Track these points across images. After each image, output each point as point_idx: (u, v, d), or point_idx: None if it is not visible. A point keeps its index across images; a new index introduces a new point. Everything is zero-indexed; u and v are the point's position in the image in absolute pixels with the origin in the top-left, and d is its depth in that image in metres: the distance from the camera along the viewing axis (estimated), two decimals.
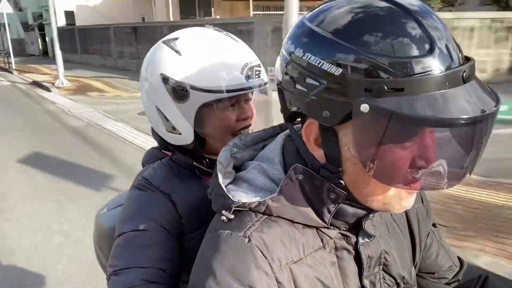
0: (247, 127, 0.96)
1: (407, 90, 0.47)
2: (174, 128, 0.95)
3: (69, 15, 21.61)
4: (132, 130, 6.74)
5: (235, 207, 0.60)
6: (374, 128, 0.49)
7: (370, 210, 0.62)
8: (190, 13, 18.58)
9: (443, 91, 0.47)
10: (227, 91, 0.89)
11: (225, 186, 0.63)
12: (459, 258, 0.88)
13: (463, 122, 0.46)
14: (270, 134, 0.75)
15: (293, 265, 0.59)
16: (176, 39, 0.94)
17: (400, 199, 0.59)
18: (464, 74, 0.49)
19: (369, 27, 0.50)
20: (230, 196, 0.61)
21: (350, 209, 0.61)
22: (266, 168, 0.65)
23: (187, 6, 18.73)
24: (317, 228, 0.63)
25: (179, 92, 0.90)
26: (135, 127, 6.90)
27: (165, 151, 1.04)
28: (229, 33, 0.98)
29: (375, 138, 0.50)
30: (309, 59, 0.53)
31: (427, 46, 0.48)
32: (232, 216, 0.60)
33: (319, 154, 0.59)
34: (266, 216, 0.61)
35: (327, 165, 0.58)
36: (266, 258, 0.57)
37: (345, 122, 0.52)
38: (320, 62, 0.52)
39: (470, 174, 0.53)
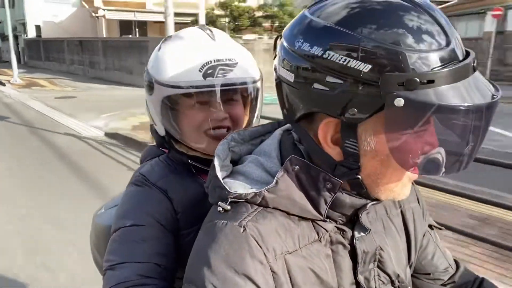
0: (223, 127, 0.95)
1: (437, 82, 0.48)
2: (152, 120, 1.01)
3: (38, 28, 26.03)
4: (44, 107, 10.65)
5: (231, 198, 0.60)
6: (407, 120, 0.50)
7: (367, 200, 0.62)
8: (127, 32, 23.30)
9: (465, 80, 0.50)
10: (179, 87, 0.90)
11: (222, 179, 0.63)
12: (455, 261, 0.87)
13: (487, 106, 0.49)
14: (268, 129, 0.75)
15: (288, 256, 0.59)
16: (170, 37, 1.01)
17: (404, 187, 0.61)
18: (474, 64, 0.52)
19: (391, 23, 0.50)
20: (226, 187, 0.61)
21: (347, 199, 0.61)
22: (263, 161, 0.65)
23: (126, 27, 23.50)
24: (313, 221, 0.62)
25: (148, 84, 0.96)
26: (50, 106, 10.49)
27: (163, 149, 1.05)
28: (215, 31, 0.99)
29: (407, 129, 0.51)
30: (331, 57, 0.51)
31: (445, 39, 0.51)
32: (229, 207, 0.60)
33: (335, 152, 0.58)
34: (262, 208, 0.61)
35: (345, 162, 0.58)
36: (261, 247, 0.57)
37: (371, 116, 0.52)
38: (345, 60, 0.50)
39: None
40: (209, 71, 0.90)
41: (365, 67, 0.50)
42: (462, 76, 0.50)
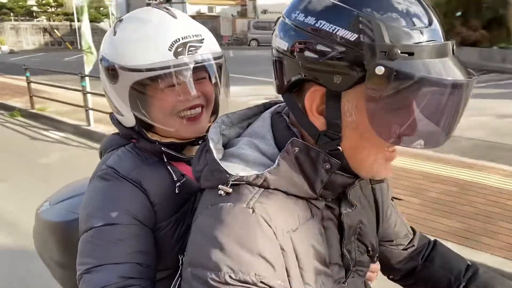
0: (195, 107, 0.91)
1: (416, 55, 0.53)
2: (117, 110, 0.94)
3: None
4: None
5: (232, 181, 0.61)
6: (387, 89, 0.53)
7: (355, 179, 0.66)
8: None
9: (443, 59, 0.55)
10: (152, 70, 0.84)
11: None
12: (411, 227, 0.97)
13: (464, 83, 0.55)
14: (254, 112, 0.76)
15: (292, 233, 0.62)
16: (121, 20, 0.93)
17: (383, 165, 0.64)
18: (453, 47, 0.58)
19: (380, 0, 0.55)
20: (227, 170, 0.61)
21: (339, 178, 0.64)
22: (257, 143, 0.67)
23: None
24: (307, 199, 0.66)
25: (111, 72, 0.89)
26: None
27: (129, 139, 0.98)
28: (172, 9, 0.94)
29: (386, 99, 0.54)
30: (322, 26, 0.56)
31: (427, 19, 0.56)
32: (230, 190, 0.61)
33: (319, 122, 0.62)
34: (263, 189, 0.62)
35: (327, 132, 0.61)
36: (270, 227, 0.59)
37: (354, 86, 0.56)
38: (334, 28, 0.55)
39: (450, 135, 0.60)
40: (179, 49, 0.86)
41: (352, 36, 0.54)
42: (441, 55, 0.55)
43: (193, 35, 0.89)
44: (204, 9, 32.27)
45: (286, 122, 0.68)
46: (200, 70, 0.90)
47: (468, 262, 0.93)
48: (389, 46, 0.53)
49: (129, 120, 0.93)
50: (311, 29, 0.57)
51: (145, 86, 0.88)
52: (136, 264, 0.82)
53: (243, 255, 0.56)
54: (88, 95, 6.34)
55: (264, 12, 30.27)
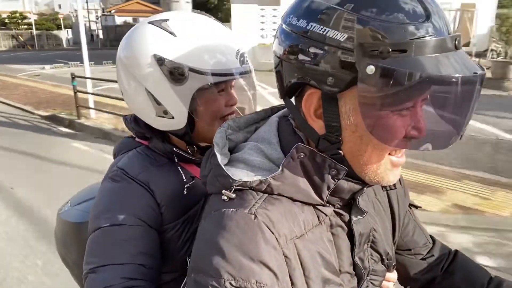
0: (233, 113, 0.95)
1: (409, 51, 0.50)
2: (166, 112, 0.91)
3: None
4: None
5: (236, 186, 0.60)
6: (379, 89, 0.51)
7: (363, 185, 0.64)
8: None
9: (440, 54, 0.52)
10: (226, 75, 0.88)
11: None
12: (431, 236, 0.94)
13: (465, 80, 0.50)
14: (261, 116, 0.76)
15: (296, 240, 0.60)
16: (166, 20, 0.90)
17: (390, 171, 0.62)
18: (456, 42, 0.54)
19: None
20: (230, 175, 0.61)
21: (345, 185, 0.63)
22: (263, 148, 0.65)
23: None
24: (313, 206, 0.64)
25: (177, 74, 0.87)
26: None
27: (140, 141, 1.00)
28: (213, 17, 0.98)
29: (379, 99, 0.52)
30: (313, 28, 0.55)
31: (424, 14, 0.53)
32: (233, 195, 0.60)
33: (318, 126, 0.61)
34: (268, 194, 0.61)
35: (327, 135, 0.60)
36: (273, 233, 0.58)
37: (348, 88, 0.55)
38: (324, 30, 0.54)
39: (462, 137, 0.56)
40: (241, 58, 0.92)
41: (341, 37, 0.53)
42: (439, 50, 0.52)
43: (242, 46, 0.95)
44: (129, 20, 35.93)
45: (292, 127, 0.67)
46: (248, 79, 0.96)
47: (491, 275, 0.88)
48: (379, 44, 0.51)
49: (179, 123, 0.93)
50: (303, 32, 0.57)
51: (207, 89, 0.90)
52: (140, 265, 0.82)
53: (244, 262, 0.55)
54: None
55: None
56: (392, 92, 0.51)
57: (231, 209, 0.59)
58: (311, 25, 0.56)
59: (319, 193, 0.63)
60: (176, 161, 0.95)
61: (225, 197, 0.61)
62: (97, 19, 45.54)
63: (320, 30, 0.55)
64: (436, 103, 0.54)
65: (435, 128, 0.56)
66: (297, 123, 0.66)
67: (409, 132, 0.55)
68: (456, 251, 0.94)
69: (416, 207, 0.92)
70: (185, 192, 0.91)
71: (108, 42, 32.47)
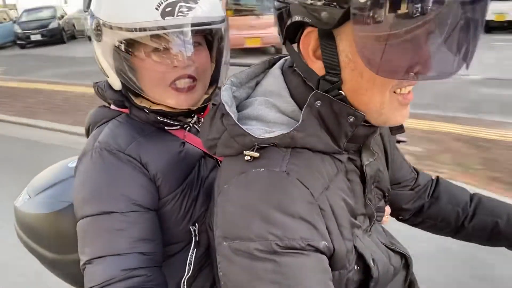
0: (188, 77, 0.83)
1: None
2: (104, 71, 0.86)
3: None
4: None
5: (257, 144, 0.58)
6: (372, 17, 0.49)
7: (376, 127, 0.64)
8: None
9: None
10: (132, 30, 0.76)
11: None
12: (413, 168, 0.98)
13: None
14: (261, 69, 0.72)
15: (326, 192, 0.60)
16: None
17: (397, 110, 0.60)
18: None
19: None
20: (251, 133, 0.58)
21: (361, 130, 0.62)
22: (275, 102, 0.63)
23: None
24: (330, 155, 0.64)
25: (96, 29, 0.81)
26: None
27: (117, 108, 0.88)
28: None
29: (373, 28, 0.50)
30: None
31: None
32: (257, 154, 0.58)
33: (318, 67, 0.60)
34: (291, 149, 0.60)
35: (326, 76, 0.59)
36: (308, 188, 0.57)
37: (343, 23, 0.53)
38: None
39: (468, 66, 0.53)
40: (167, 9, 0.77)
41: None
42: None
43: None
44: None
45: (301, 77, 0.64)
46: (194, 35, 0.81)
47: (470, 193, 0.96)
48: None
49: (115, 83, 0.85)
50: None
51: (129, 49, 0.80)
52: (139, 253, 0.76)
53: (286, 221, 0.54)
54: None
55: None
56: (385, 19, 0.49)
57: (261, 169, 0.58)
58: None
59: (336, 141, 0.62)
60: (165, 128, 0.88)
61: (248, 157, 0.59)
62: None
63: None
64: (433, 27, 0.50)
65: (436, 56, 0.52)
66: (297, 67, 0.64)
67: (407, 63, 0.53)
68: (437, 177, 1.00)
69: (403, 141, 0.97)
70: (179, 159, 0.85)
71: None
